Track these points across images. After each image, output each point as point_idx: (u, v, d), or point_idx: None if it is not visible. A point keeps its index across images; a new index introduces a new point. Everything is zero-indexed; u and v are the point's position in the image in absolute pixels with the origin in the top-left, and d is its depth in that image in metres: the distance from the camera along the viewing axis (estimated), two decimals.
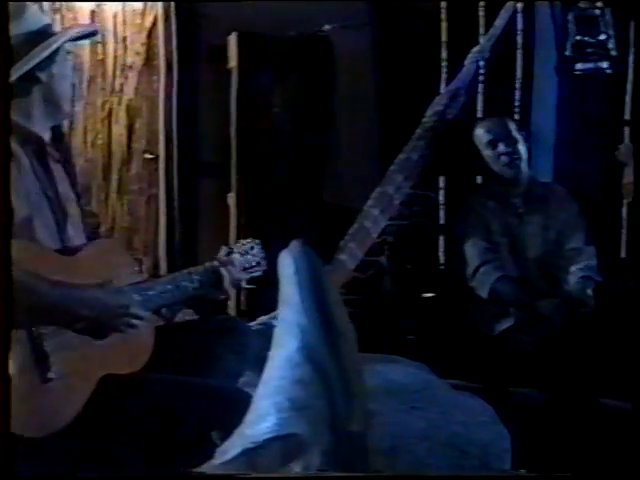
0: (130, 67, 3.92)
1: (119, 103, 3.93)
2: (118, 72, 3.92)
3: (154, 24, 3.89)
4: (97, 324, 1.96)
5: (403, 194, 3.37)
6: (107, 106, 3.91)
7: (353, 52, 3.69)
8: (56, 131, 2.19)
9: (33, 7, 2.09)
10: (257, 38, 3.70)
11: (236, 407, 2.01)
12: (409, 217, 3.45)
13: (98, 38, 3.61)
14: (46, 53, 2.04)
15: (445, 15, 3.57)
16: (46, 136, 2.11)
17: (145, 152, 3.96)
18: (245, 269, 2.29)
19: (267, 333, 3.01)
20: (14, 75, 2.01)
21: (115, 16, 3.88)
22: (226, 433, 1.95)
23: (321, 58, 3.68)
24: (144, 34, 3.90)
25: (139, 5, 3.89)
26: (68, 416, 1.92)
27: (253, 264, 2.31)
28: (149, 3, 3.88)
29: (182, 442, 1.98)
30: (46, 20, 2.14)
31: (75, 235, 2.11)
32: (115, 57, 3.91)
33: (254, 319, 3.05)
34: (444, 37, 3.59)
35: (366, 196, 3.37)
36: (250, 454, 1.47)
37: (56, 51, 2.08)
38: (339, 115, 3.73)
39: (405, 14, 3.62)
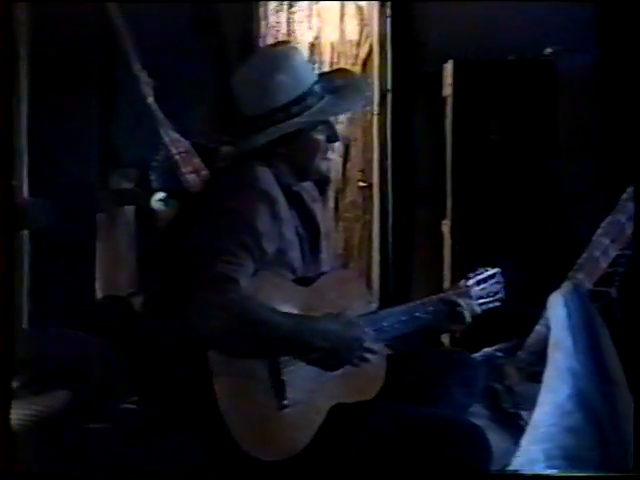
0: None
1: None
2: None
3: (369, 54, 3.95)
4: (331, 356, 1.97)
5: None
6: None
7: (577, 76, 3.57)
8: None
9: (293, 72, 2.07)
10: (473, 65, 3.65)
11: (470, 441, 2.00)
12: None
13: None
14: (277, 134, 2.05)
15: None
16: (303, 184, 2.16)
17: (359, 180, 4.02)
18: (481, 299, 2.22)
19: (493, 365, 3.00)
20: (254, 142, 2.04)
21: (332, 47, 3.98)
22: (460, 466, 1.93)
23: (542, 83, 3.59)
24: (359, 65, 3.97)
25: (355, 36, 3.97)
26: (301, 443, 1.96)
27: (490, 294, 2.23)
28: (364, 34, 3.96)
29: (415, 474, 1.98)
30: (305, 84, 2.09)
31: (319, 267, 2.16)
32: None
33: (469, 348, 3.00)
34: None
35: (589, 222, 3.25)
36: None
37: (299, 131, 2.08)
38: (560, 140, 3.61)
39: (633, 33, 3.46)
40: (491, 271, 2.26)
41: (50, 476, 2.14)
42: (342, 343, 1.97)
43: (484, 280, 2.24)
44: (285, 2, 3.96)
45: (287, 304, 1.99)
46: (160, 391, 2.04)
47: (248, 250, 1.93)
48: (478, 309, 2.20)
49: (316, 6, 3.98)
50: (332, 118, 2.14)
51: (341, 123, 3.90)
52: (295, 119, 2.05)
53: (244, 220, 1.95)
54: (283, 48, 2.16)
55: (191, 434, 1.97)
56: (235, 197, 2.00)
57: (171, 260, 2.02)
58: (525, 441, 1.54)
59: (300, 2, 3.96)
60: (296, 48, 2.20)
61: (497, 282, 2.25)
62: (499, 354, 2.98)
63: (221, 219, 1.97)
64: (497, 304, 2.24)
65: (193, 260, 1.92)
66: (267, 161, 2.07)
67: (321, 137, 2.12)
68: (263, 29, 3.93)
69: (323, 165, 2.14)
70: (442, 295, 2.20)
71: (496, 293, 2.24)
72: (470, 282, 2.22)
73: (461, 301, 2.17)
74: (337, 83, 2.16)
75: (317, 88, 2.10)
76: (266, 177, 2.04)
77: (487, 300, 2.23)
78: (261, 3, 3.93)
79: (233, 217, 1.96)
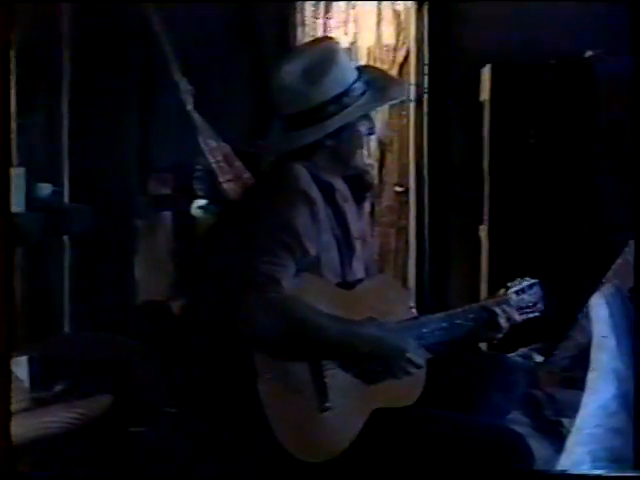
0: None
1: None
2: None
3: (406, 59, 3.95)
4: (374, 363, 1.97)
5: None
6: None
7: (617, 79, 3.53)
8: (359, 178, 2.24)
9: (341, 64, 2.10)
10: (512, 69, 3.64)
11: (513, 450, 1.99)
12: None
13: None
14: (335, 126, 2.06)
15: None
16: (336, 183, 2.15)
17: (396, 185, 4.01)
18: (521, 309, 2.21)
19: (532, 370, 2.98)
20: (305, 138, 2.05)
21: (369, 52, 3.98)
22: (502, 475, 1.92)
23: (582, 86, 3.56)
24: (396, 69, 3.96)
25: (391, 40, 3.97)
26: (342, 446, 1.96)
27: (529, 304, 2.22)
28: (401, 39, 3.96)
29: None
30: (351, 77, 2.13)
31: (357, 270, 2.16)
32: None
33: (504, 349, 2.98)
34: None
35: (626, 227, 3.22)
36: None
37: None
38: (599, 145, 3.58)
39: None
40: (530, 281, 2.25)
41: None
42: (385, 350, 1.98)
43: (523, 290, 2.23)
44: (322, 5, 3.96)
45: (331, 307, 2.00)
46: (202, 393, 2.05)
47: (289, 250, 1.94)
48: (518, 318, 2.19)
49: (352, 11, 3.98)
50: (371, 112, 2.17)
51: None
52: (345, 111, 2.07)
53: (285, 220, 1.96)
54: (328, 43, 2.19)
55: (234, 436, 1.98)
56: (275, 197, 2.01)
57: (213, 262, 2.03)
58: (570, 443, 1.53)
59: (336, 7, 3.97)
60: (339, 42, 2.23)
61: (536, 292, 2.24)
62: (535, 356, 2.96)
63: (262, 220, 1.98)
64: (537, 314, 2.23)
65: (235, 261, 1.93)
66: (306, 157, 2.08)
67: (363, 129, 2.14)
68: (300, 35, 3.95)
69: (361, 159, 2.17)
70: (483, 303, 2.20)
71: (535, 304, 2.23)
72: (510, 291, 2.22)
73: (501, 310, 2.16)
74: (370, 77, 2.18)
75: (360, 81, 2.13)
76: (305, 177, 2.05)
77: (526, 310, 2.22)
78: (298, 9, 3.94)
79: (274, 217, 1.97)
